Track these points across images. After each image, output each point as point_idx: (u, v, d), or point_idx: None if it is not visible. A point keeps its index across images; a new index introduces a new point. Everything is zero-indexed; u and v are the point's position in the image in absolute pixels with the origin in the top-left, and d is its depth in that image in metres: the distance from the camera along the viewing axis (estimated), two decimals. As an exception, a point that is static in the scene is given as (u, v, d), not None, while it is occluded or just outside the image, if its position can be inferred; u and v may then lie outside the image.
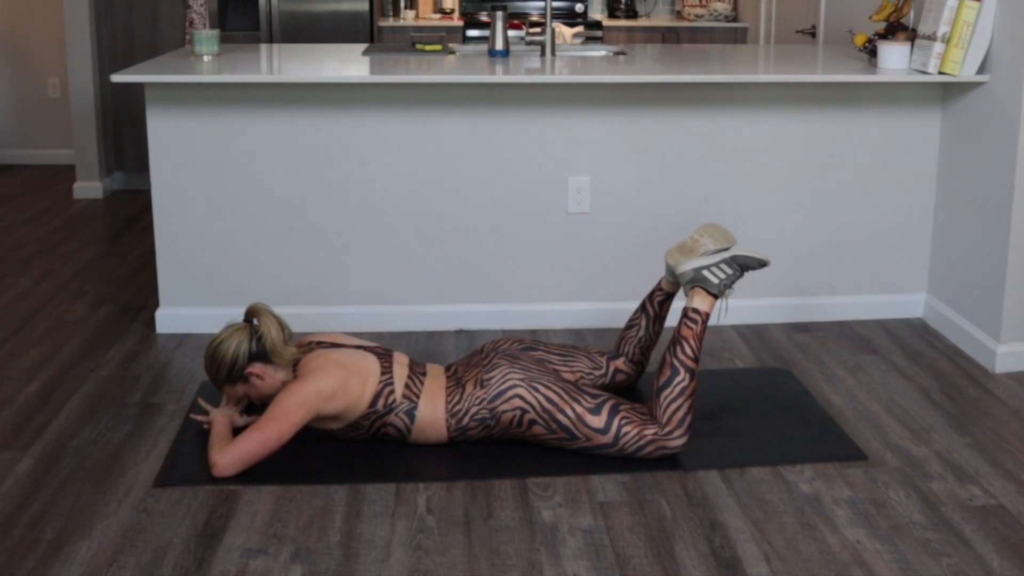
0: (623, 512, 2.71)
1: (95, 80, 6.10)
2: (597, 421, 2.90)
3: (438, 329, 3.97)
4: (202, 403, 3.10)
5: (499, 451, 2.98)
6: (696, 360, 2.95)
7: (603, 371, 3.26)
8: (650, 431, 2.91)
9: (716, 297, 3.03)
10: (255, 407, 3.12)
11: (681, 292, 3.20)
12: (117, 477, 2.86)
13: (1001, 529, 2.64)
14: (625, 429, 2.90)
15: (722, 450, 3.03)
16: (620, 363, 3.29)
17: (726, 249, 3.08)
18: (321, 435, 3.01)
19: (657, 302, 3.29)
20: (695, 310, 3.01)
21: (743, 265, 3.06)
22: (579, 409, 2.91)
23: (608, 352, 3.31)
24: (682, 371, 2.93)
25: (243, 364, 2.92)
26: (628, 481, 2.85)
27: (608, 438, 2.91)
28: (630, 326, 3.31)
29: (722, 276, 3.04)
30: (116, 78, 3.59)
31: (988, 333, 3.68)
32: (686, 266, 3.07)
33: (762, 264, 3.08)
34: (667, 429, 2.91)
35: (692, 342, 2.96)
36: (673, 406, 2.91)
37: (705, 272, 3.04)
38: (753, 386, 3.47)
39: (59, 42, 6.89)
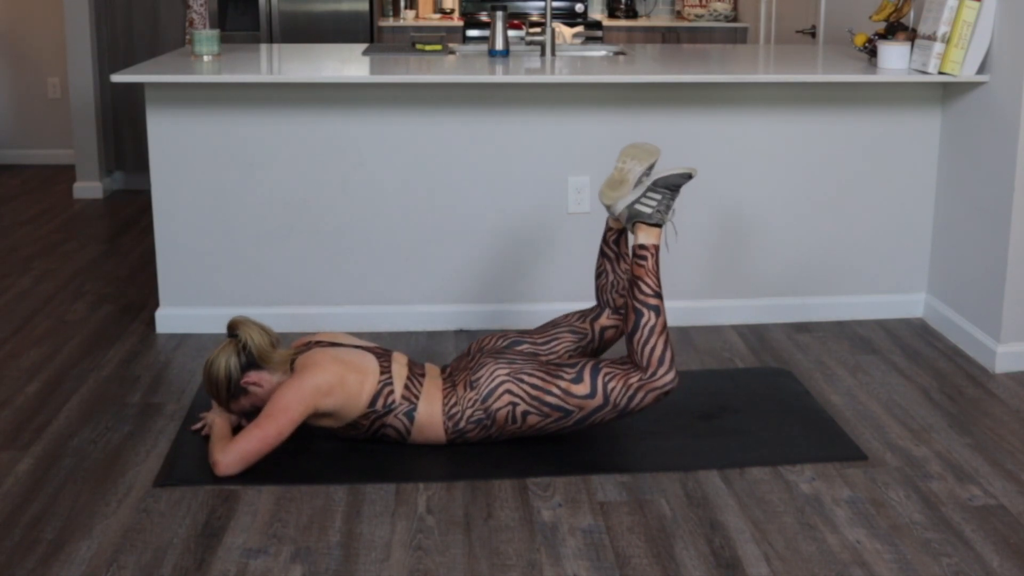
0: (623, 512, 2.71)
1: (95, 80, 6.10)
2: (582, 388, 2.89)
3: (438, 329, 3.97)
4: (201, 416, 3.11)
5: (499, 451, 2.98)
6: (658, 296, 2.91)
7: (590, 337, 3.17)
8: (634, 378, 2.88)
9: (659, 226, 2.98)
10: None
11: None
12: (117, 477, 2.86)
13: (1001, 529, 2.64)
14: (611, 385, 2.88)
15: (722, 450, 3.02)
16: (605, 318, 3.18)
17: (652, 166, 3.01)
18: (321, 434, 3.01)
19: (612, 241, 3.18)
20: (641, 246, 2.95)
21: (669, 185, 2.98)
22: (562, 384, 2.89)
23: (591, 312, 3.22)
24: (646, 311, 2.90)
25: (238, 376, 2.92)
26: (628, 481, 2.85)
27: (598, 400, 2.89)
28: (599, 275, 3.21)
29: (654, 204, 2.97)
30: (116, 78, 3.59)
31: (988, 333, 3.68)
32: (619, 205, 3.01)
33: (688, 176, 2.98)
34: (650, 371, 2.88)
35: (648, 279, 2.92)
36: (648, 347, 2.88)
37: (637, 206, 2.98)
38: (753, 386, 3.47)
39: (59, 42, 6.89)
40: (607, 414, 2.91)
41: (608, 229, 3.17)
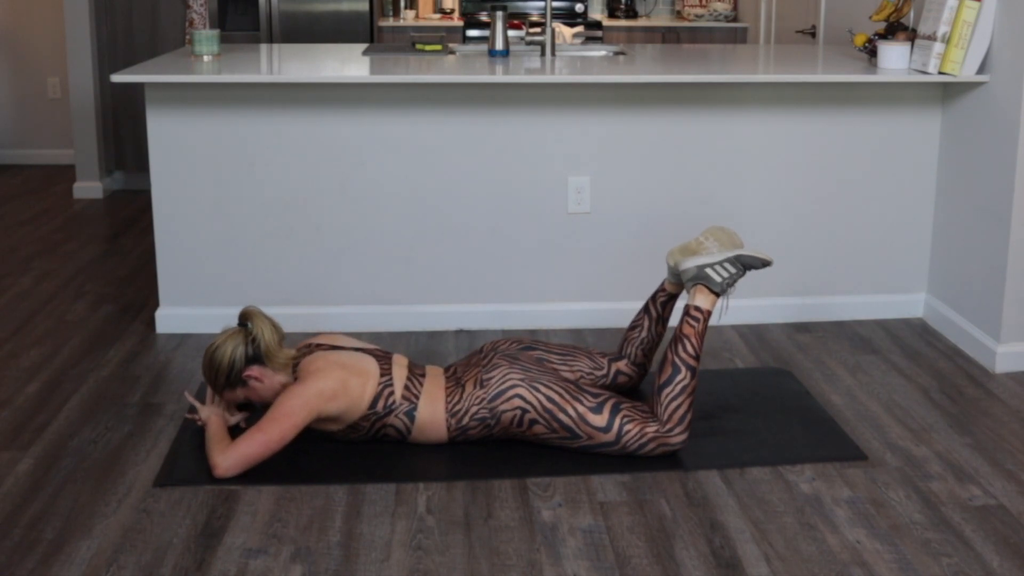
0: (623, 512, 2.71)
1: (95, 80, 6.10)
2: (599, 420, 2.91)
3: (438, 329, 3.97)
4: (189, 398, 3.08)
5: (499, 451, 2.98)
6: (697, 358, 2.96)
7: (604, 372, 3.26)
8: (651, 429, 2.91)
9: (717, 295, 3.04)
10: (254, 407, 3.11)
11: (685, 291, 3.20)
12: (117, 477, 2.86)
13: (1001, 529, 2.64)
14: (627, 427, 2.91)
15: (722, 450, 3.03)
16: (622, 365, 3.28)
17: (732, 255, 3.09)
18: (321, 436, 3.01)
19: (660, 303, 3.28)
20: (697, 308, 3.02)
21: (746, 264, 3.07)
22: (580, 408, 2.91)
23: (610, 354, 3.31)
24: (683, 369, 2.93)
25: (240, 368, 2.93)
26: (628, 481, 2.86)
27: (610, 436, 2.91)
28: (633, 327, 3.31)
29: (725, 275, 3.04)
30: (116, 78, 3.59)
31: (988, 333, 3.68)
32: (689, 263, 3.08)
33: (765, 264, 3.08)
34: (668, 427, 2.91)
35: (694, 340, 2.96)
36: (674, 404, 2.91)
37: (708, 270, 3.04)
38: (753, 386, 3.47)
39: (59, 42, 6.89)
40: (612, 451, 2.94)
41: (661, 290, 3.28)
